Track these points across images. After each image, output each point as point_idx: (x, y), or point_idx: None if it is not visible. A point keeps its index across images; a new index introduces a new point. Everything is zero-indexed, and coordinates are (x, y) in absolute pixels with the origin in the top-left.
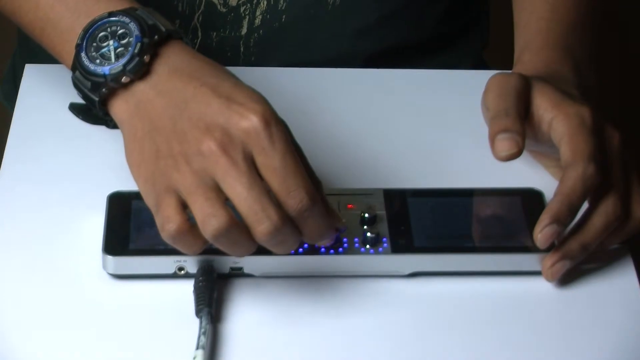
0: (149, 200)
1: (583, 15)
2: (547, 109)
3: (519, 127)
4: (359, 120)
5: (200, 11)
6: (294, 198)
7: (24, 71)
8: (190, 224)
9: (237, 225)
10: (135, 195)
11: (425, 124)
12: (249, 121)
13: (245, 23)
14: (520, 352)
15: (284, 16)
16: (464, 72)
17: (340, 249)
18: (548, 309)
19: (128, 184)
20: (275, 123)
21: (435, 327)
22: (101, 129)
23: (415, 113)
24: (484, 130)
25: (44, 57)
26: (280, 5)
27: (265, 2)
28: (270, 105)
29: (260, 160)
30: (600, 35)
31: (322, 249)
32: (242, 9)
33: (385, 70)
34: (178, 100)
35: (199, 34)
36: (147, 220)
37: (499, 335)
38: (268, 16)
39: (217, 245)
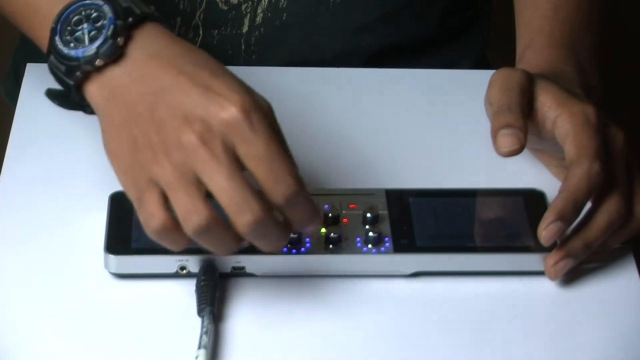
0: (130, 193)
1: (586, 14)
2: (551, 106)
3: (521, 124)
4: (360, 120)
5: (201, 9)
6: (282, 184)
7: (26, 70)
8: (173, 221)
9: (219, 222)
10: None
11: (427, 124)
12: (228, 112)
13: (246, 21)
14: (523, 352)
15: (285, 14)
16: (465, 71)
17: (342, 249)
18: (550, 309)
19: None
20: (255, 111)
21: (438, 327)
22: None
23: (417, 112)
24: (486, 130)
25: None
26: (281, 4)
27: (266, 0)
28: (249, 94)
29: (242, 151)
30: (602, 34)
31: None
32: (243, 7)
33: (387, 69)
34: (155, 88)
35: (200, 32)
36: None
37: (502, 335)
38: (269, 14)
39: (200, 242)
